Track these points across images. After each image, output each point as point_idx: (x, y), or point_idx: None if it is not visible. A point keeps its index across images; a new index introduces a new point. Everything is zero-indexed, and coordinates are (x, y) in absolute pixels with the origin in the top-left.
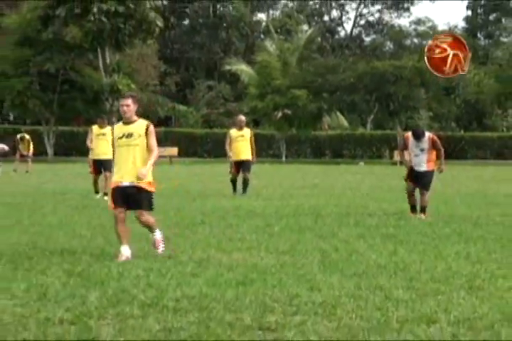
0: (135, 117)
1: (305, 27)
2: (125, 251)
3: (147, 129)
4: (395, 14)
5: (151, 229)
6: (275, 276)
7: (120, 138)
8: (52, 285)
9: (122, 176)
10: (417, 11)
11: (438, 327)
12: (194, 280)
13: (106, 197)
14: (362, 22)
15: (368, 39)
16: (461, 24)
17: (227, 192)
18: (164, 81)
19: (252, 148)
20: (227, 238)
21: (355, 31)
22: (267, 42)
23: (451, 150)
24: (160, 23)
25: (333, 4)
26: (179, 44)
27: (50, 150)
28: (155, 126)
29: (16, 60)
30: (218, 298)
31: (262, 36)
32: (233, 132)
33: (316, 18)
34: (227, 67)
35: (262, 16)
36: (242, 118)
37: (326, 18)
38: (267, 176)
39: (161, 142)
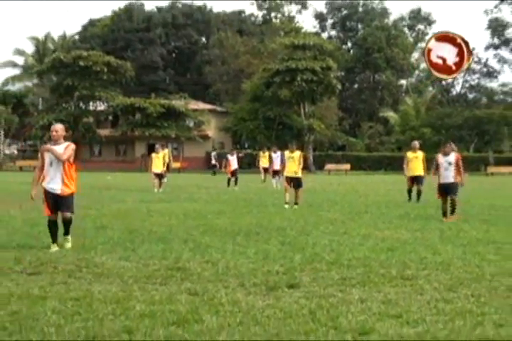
0: None
1: (430, 88)
2: None
3: None
4: (488, 80)
5: None
6: (411, 245)
7: None
8: (271, 250)
9: None
10: (503, 78)
11: None
12: (360, 248)
13: (295, 206)
14: (466, 85)
15: (470, 96)
16: None
17: (381, 192)
18: (342, 122)
19: (423, 166)
20: (381, 221)
21: (462, 91)
22: (407, 98)
23: None
24: (339, 86)
25: None
26: (351, 99)
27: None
28: (334, 150)
29: (249, 110)
30: (375, 259)
31: (403, 94)
32: (409, 154)
33: (437, 82)
34: (381, 114)
35: (403, 81)
36: (415, 142)
37: (443, 82)
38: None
39: (340, 161)
